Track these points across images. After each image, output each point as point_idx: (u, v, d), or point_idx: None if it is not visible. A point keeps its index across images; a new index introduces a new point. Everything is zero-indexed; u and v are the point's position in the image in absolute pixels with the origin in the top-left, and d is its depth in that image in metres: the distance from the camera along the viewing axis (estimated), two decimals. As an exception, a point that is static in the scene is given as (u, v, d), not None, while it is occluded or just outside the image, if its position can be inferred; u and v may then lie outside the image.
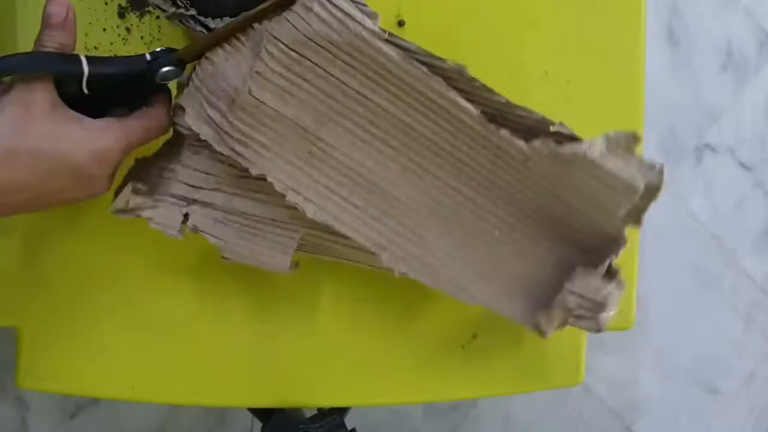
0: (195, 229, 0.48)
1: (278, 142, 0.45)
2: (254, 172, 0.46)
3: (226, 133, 0.45)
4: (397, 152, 0.47)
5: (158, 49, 0.45)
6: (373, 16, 0.44)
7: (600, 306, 0.48)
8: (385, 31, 0.44)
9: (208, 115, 0.45)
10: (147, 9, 0.54)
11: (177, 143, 0.49)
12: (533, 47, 0.60)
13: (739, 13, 1.37)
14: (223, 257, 0.50)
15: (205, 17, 0.47)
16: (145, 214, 0.46)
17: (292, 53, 0.44)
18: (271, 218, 0.49)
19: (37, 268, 0.56)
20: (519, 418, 1.26)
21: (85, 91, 0.43)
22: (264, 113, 0.45)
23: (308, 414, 0.67)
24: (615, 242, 0.48)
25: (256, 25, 0.45)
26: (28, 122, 0.37)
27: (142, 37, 0.55)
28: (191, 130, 0.46)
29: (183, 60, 0.45)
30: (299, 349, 0.58)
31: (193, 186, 0.48)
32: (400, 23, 0.57)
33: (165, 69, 0.44)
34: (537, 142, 0.46)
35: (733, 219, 1.36)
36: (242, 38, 0.45)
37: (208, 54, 0.45)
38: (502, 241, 0.49)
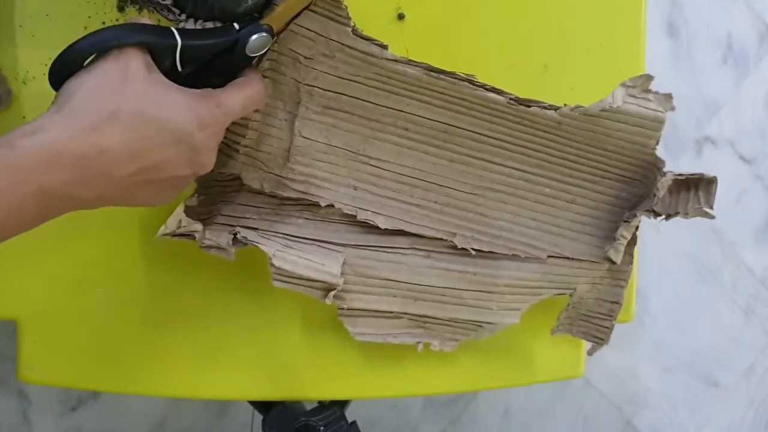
0: (245, 241, 0.50)
1: (335, 171, 0.50)
2: (323, 203, 0.50)
3: (288, 179, 0.50)
4: (441, 149, 0.52)
5: (245, 19, 0.45)
6: (384, 47, 0.49)
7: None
8: (405, 57, 0.49)
9: (267, 171, 0.50)
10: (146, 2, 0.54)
11: (213, 189, 0.53)
12: (533, 41, 0.60)
13: (739, 5, 1.37)
14: (274, 279, 0.51)
15: (181, 11, 0.47)
16: (198, 235, 0.49)
17: (329, 93, 0.49)
18: (315, 239, 0.53)
19: (39, 260, 0.56)
20: (519, 411, 1.26)
21: (179, 66, 0.41)
22: (316, 149, 0.50)
23: (308, 407, 0.67)
24: (655, 167, 0.53)
25: (281, 79, 0.49)
26: (127, 84, 0.36)
27: (141, 31, 0.54)
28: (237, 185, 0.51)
29: (271, 27, 0.45)
30: (300, 342, 0.58)
31: (236, 217, 0.52)
32: (400, 16, 0.57)
33: (254, 37, 0.44)
34: (565, 109, 0.51)
35: (733, 212, 1.36)
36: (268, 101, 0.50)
37: (245, 123, 0.49)
38: (553, 195, 0.54)
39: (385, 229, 0.53)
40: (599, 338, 0.57)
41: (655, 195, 0.52)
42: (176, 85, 0.39)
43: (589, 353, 0.58)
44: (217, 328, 0.58)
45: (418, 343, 0.55)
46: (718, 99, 1.36)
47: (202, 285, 0.57)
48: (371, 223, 0.52)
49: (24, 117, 0.55)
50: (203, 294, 0.57)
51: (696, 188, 0.54)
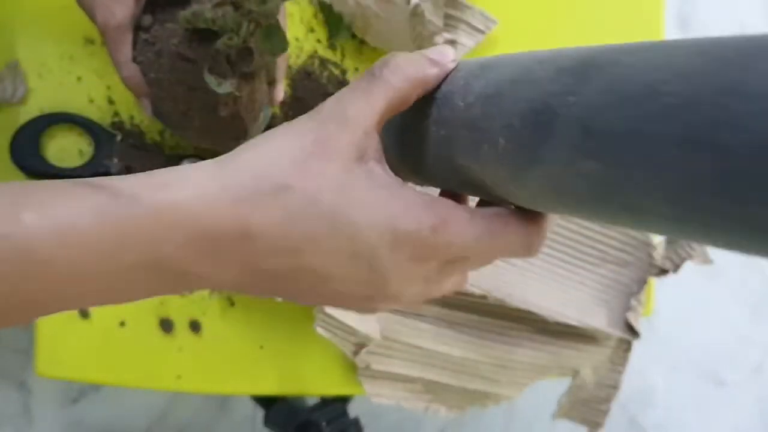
0: None
1: None
2: None
3: None
4: None
5: None
6: None
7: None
8: None
9: None
10: None
11: None
12: (552, 36, 0.59)
13: None
14: (318, 326, 0.53)
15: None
16: None
17: None
18: None
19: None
20: (523, 407, 1.26)
21: None
22: None
23: (311, 402, 0.67)
24: (645, 245, 0.58)
25: None
26: (317, 160, 0.26)
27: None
28: None
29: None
30: (302, 337, 0.58)
31: None
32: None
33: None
34: None
35: (741, 209, 1.35)
36: None
37: None
38: (566, 277, 0.58)
39: None
40: (597, 423, 0.60)
41: (653, 265, 0.58)
42: (396, 181, 0.27)
43: None
44: (220, 324, 0.57)
45: (427, 407, 0.58)
46: (727, 95, 1.35)
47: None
48: None
49: (41, 110, 0.54)
50: (207, 291, 0.57)
51: None
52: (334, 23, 0.57)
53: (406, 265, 0.27)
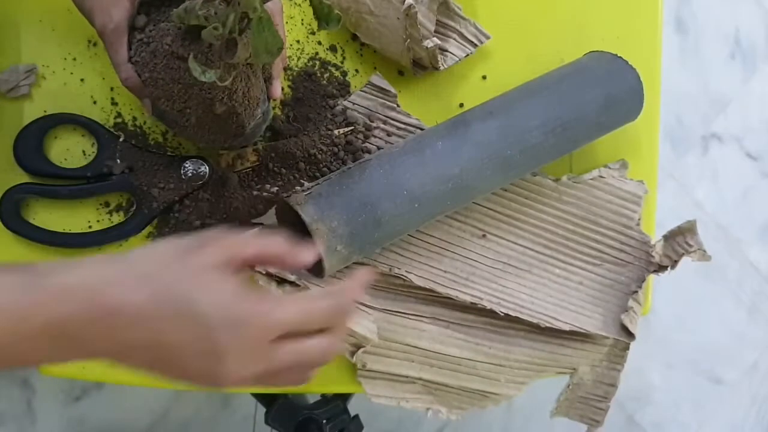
0: (298, 282, 0.53)
1: None
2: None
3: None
4: (464, 223, 0.57)
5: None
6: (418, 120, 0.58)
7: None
8: (435, 126, 0.54)
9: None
10: None
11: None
12: (550, 33, 0.60)
13: (747, 1, 1.36)
14: None
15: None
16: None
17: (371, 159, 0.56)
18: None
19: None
20: (521, 406, 1.26)
21: None
22: None
23: (311, 400, 0.68)
24: (642, 243, 0.59)
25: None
26: (177, 262, 0.35)
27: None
28: None
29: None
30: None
31: None
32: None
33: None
34: (563, 178, 0.57)
35: (738, 209, 1.35)
36: None
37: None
38: (564, 276, 0.58)
39: (410, 293, 0.56)
40: (595, 420, 0.60)
41: (652, 263, 0.59)
42: (240, 286, 0.35)
43: None
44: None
45: (428, 409, 0.58)
46: (725, 95, 1.35)
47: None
48: (404, 279, 0.54)
49: (45, 111, 0.55)
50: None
51: (683, 235, 0.59)
52: (323, 14, 0.57)
53: (243, 342, 0.34)
